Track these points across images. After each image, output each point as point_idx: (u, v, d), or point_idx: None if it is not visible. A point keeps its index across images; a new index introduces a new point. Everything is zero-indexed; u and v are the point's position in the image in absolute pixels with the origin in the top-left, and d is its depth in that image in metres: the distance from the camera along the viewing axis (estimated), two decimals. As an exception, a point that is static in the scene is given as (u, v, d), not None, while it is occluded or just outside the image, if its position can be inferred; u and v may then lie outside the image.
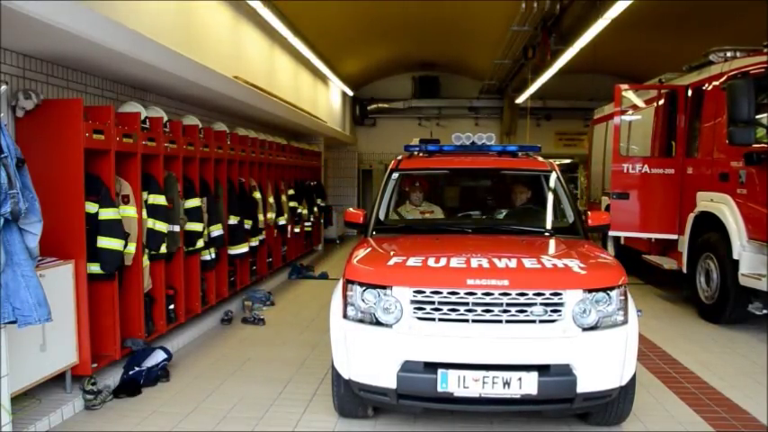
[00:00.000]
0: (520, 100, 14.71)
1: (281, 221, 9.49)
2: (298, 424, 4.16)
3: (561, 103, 16.34)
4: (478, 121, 17.16)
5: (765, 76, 6.07)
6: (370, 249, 4.30)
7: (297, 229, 10.65)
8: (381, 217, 5.03)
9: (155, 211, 5.38)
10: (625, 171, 7.92)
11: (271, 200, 9.00)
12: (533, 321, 3.56)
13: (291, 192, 10.28)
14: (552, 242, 4.60)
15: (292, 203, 10.23)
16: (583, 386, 3.51)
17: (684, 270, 7.44)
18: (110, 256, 4.70)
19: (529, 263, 3.79)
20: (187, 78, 5.81)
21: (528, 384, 3.46)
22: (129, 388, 4.70)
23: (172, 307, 5.92)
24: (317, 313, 7.18)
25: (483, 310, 3.56)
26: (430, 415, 4.19)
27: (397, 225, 5.16)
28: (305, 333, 6.53)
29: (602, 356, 3.62)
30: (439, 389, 3.51)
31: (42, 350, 4.11)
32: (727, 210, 6.48)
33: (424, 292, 3.62)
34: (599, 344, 3.60)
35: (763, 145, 5.99)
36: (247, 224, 7.67)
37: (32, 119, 4.44)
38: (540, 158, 5.60)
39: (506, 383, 3.47)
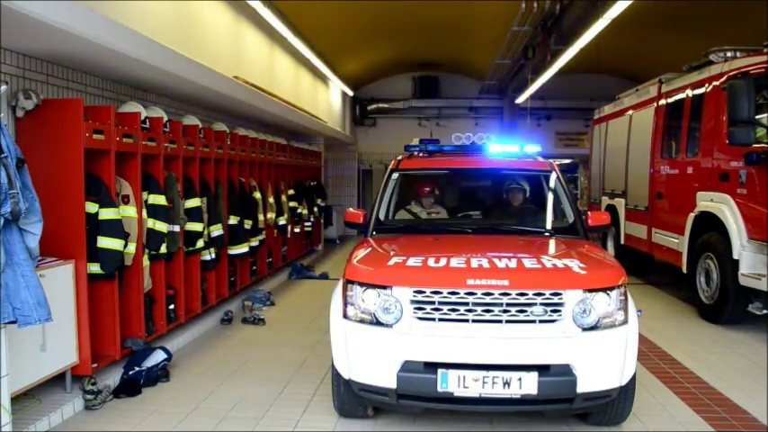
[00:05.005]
0: (520, 100, 14.70)
1: (281, 221, 9.49)
2: (298, 424, 4.15)
3: (561, 103, 16.32)
4: (478, 121, 17.15)
5: (765, 76, 6.07)
6: (370, 249, 4.30)
7: (297, 229, 10.65)
8: (381, 217, 5.03)
9: (155, 211, 5.38)
10: None
11: (271, 200, 9.00)
12: (533, 321, 3.56)
13: (291, 192, 10.28)
14: (552, 242, 4.60)
15: (292, 203, 10.23)
16: (583, 386, 3.51)
17: (684, 270, 7.44)
18: (110, 256, 4.70)
19: (529, 263, 3.79)
20: (187, 78, 5.81)
21: (528, 384, 3.46)
22: (129, 388, 4.70)
23: (172, 307, 5.91)
24: (317, 313, 7.18)
25: (483, 310, 3.56)
26: (430, 415, 4.19)
27: (397, 225, 5.16)
28: (305, 333, 6.52)
29: (602, 356, 3.62)
30: (439, 389, 3.51)
31: (42, 350, 4.10)
32: (727, 210, 6.47)
33: (424, 292, 3.62)
34: (599, 344, 3.60)
35: (763, 145, 5.99)
36: (247, 224, 7.66)
37: (32, 119, 4.43)
38: (540, 158, 5.60)
39: (506, 383, 3.47)
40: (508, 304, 3.56)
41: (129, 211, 5.04)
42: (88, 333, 4.54)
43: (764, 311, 6.21)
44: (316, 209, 11.99)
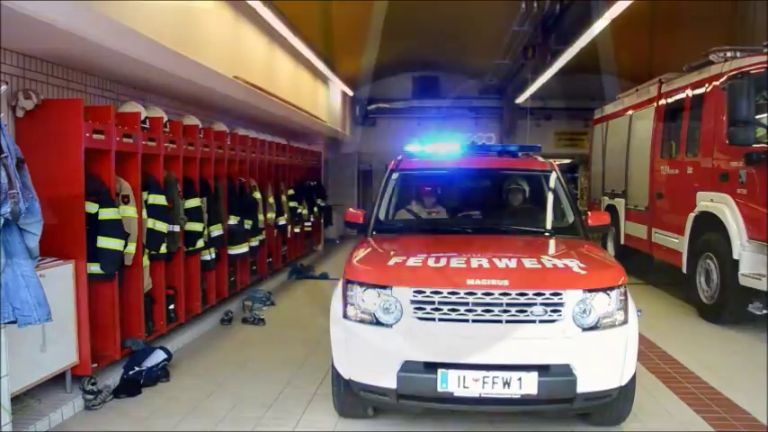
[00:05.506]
0: (520, 100, 14.70)
1: (281, 221, 9.49)
2: (298, 424, 4.16)
3: (561, 103, 16.30)
4: (478, 121, 17.14)
5: (765, 76, 6.06)
6: (370, 249, 4.30)
7: (297, 230, 10.65)
8: (381, 217, 5.03)
9: (155, 211, 5.38)
10: None
11: (271, 200, 9.00)
12: (533, 321, 3.56)
13: (291, 192, 10.28)
14: (552, 242, 4.61)
15: (292, 203, 10.23)
16: (583, 386, 3.51)
17: (684, 270, 7.44)
18: (110, 256, 4.70)
19: (529, 263, 3.79)
20: (187, 78, 5.81)
21: (528, 384, 3.47)
22: (129, 388, 4.70)
23: (172, 307, 5.92)
24: (318, 313, 7.15)
25: (483, 310, 3.56)
26: (430, 415, 4.19)
27: (397, 225, 5.16)
28: (305, 333, 6.51)
29: (602, 356, 3.62)
30: (439, 389, 3.51)
31: (42, 350, 4.10)
32: (727, 210, 6.47)
33: (424, 292, 3.62)
34: (599, 344, 3.60)
35: (763, 145, 5.99)
36: (247, 224, 7.66)
37: (32, 119, 4.43)
38: (540, 158, 5.60)
39: (506, 383, 3.47)
40: (508, 304, 3.56)
41: (129, 211, 5.04)
42: (88, 333, 4.54)
43: (764, 311, 6.21)
44: (316, 209, 11.99)
